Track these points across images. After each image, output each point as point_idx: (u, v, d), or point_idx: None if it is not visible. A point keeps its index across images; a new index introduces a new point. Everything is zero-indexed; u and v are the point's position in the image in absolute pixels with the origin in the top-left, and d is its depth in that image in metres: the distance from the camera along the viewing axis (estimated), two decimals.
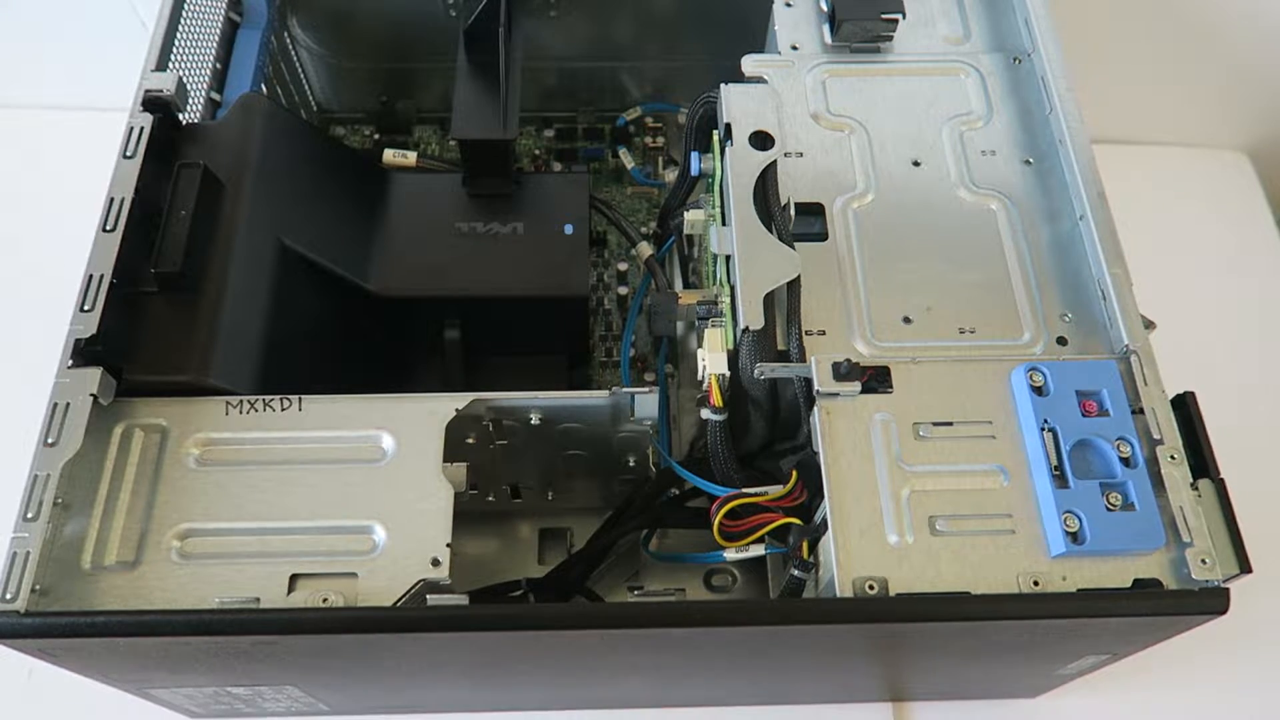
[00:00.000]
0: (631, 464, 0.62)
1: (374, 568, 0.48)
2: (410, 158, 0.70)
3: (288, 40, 0.76)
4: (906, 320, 0.53)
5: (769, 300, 0.52)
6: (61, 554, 0.47)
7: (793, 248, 0.53)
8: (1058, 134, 0.59)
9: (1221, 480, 0.49)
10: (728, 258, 0.54)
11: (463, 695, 0.64)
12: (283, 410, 0.52)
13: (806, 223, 0.56)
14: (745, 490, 0.54)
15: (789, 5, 0.65)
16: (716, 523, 0.54)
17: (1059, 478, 0.48)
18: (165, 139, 0.58)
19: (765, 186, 0.56)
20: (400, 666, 0.53)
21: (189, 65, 0.63)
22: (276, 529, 0.48)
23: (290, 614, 0.46)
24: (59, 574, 0.47)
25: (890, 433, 0.49)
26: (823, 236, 0.56)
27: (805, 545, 0.51)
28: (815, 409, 0.50)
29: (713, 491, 0.55)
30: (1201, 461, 0.49)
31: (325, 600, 0.46)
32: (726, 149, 0.57)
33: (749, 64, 0.61)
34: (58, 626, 0.44)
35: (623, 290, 0.79)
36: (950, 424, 0.50)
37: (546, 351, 0.69)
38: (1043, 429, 0.49)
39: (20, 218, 0.88)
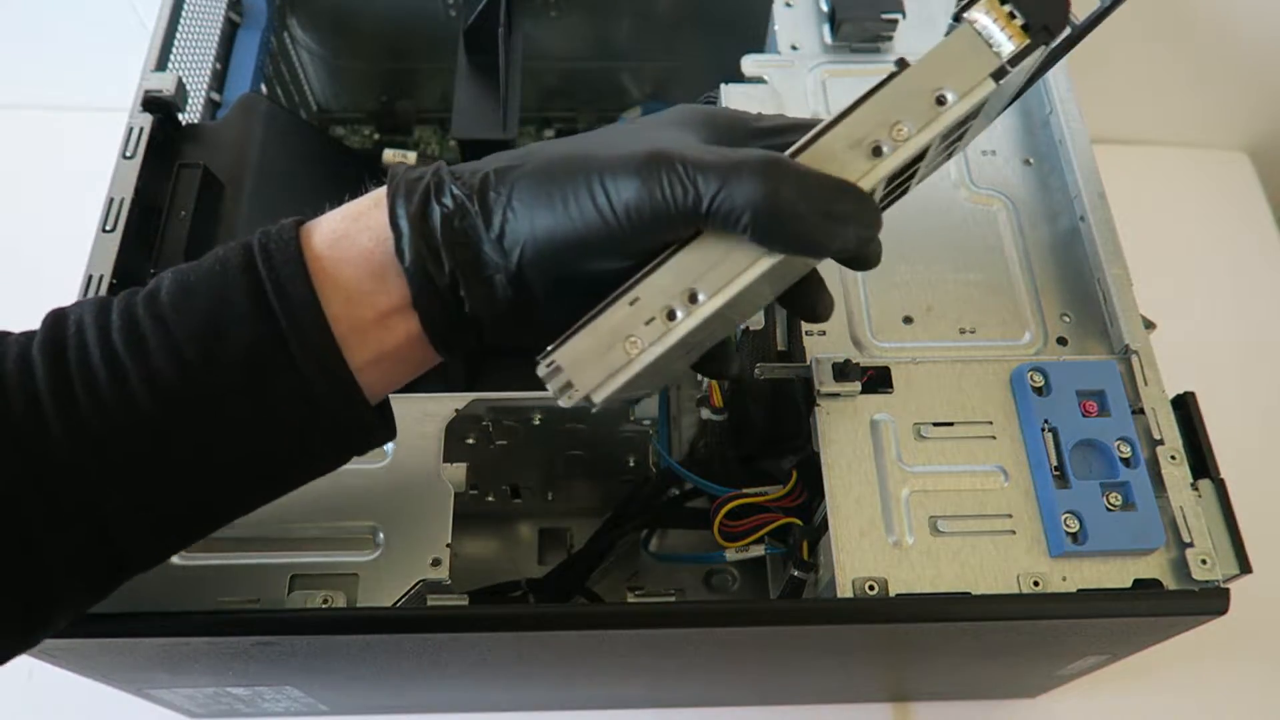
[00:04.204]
0: (631, 464, 0.62)
1: (374, 568, 0.48)
2: (410, 158, 0.70)
3: (288, 40, 0.76)
4: (906, 320, 0.53)
5: None
6: None
7: None
8: (1058, 134, 0.59)
9: (1221, 480, 0.49)
10: None
11: (463, 695, 0.64)
12: None
13: None
14: (745, 490, 0.54)
15: (789, 5, 0.65)
16: (716, 523, 0.54)
17: (1059, 478, 0.48)
18: (165, 139, 0.58)
19: None
20: (400, 666, 0.53)
21: (189, 65, 0.63)
22: (276, 529, 0.48)
23: (290, 614, 0.46)
24: None
25: (890, 433, 0.49)
26: None
27: (805, 545, 0.51)
28: (815, 409, 0.50)
29: (713, 491, 0.55)
30: (1201, 461, 0.49)
31: (325, 600, 0.46)
32: None
33: (749, 64, 0.61)
34: None
35: None
36: (950, 424, 0.50)
37: None
38: (1043, 429, 0.49)
39: (20, 218, 0.88)
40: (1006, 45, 0.33)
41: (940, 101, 0.34)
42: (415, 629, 0.46)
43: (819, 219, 0.34)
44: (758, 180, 0.34)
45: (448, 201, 0.36)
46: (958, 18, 0.33)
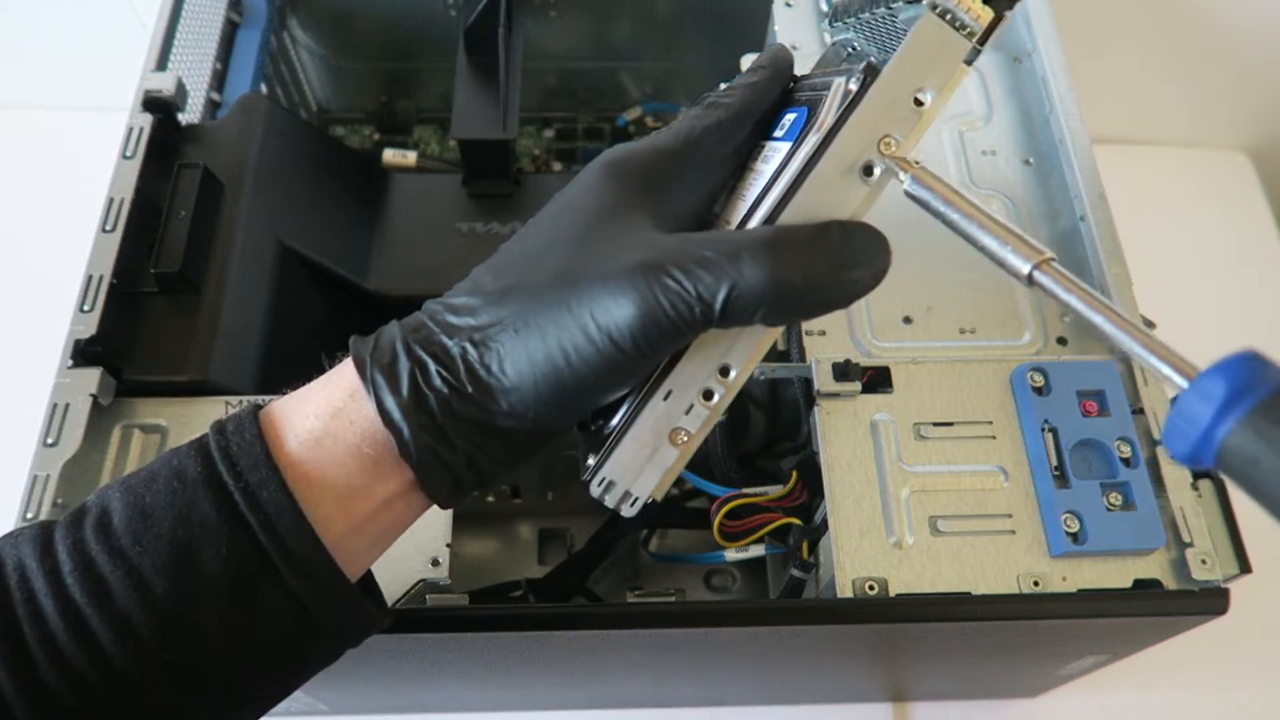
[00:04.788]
0: None
1: (373, 568, 0.48)
2: (410, 158, 0.70)
3: (288, 40, 0.76)
4: (906, 320, 0.53)
5: None
6: None
7: None
8: (1058, 134, 0.59)
9: (1221, 480, 0.49)
10: None
11: (463, 695, 0.64)
12: None
13: None
14: (745, 490, 0.54)
15: (789, 5, 0.65)
16: (716, 523, 0.54)
17: (1059, 478, 0.48)
18: (165, 139, 0.58)
19: None
20: (400, 666, 0.53)
21: (189, 65, 0.63)
22: None
23: None
24: None
25: (890, 433, 0.49)
26: None
27: (805, 545, 0.51)
28: (815, 409, 0.50)
29: (713, 491, 0.55)
30: None
31: None
32: None
33: (749, 64, 0.61)
34: None
35: None
36: (950, 424, 0.50)
37: None
38: (1043, 429, 0.49)
39: (20, 218, 0.88)
40: (974, 25, 0.31)
41: (919, 102, 0.32)
42: (415, 629, 0.46)
43: (832, 280, 0.32)
44: (761, 270, 0.31)
45: (439, 386, 0.33)
46: None
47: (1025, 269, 0.31)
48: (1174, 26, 0.88)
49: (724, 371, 0.35)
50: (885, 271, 0.34)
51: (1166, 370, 0.28)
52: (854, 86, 0.32)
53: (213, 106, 0.65)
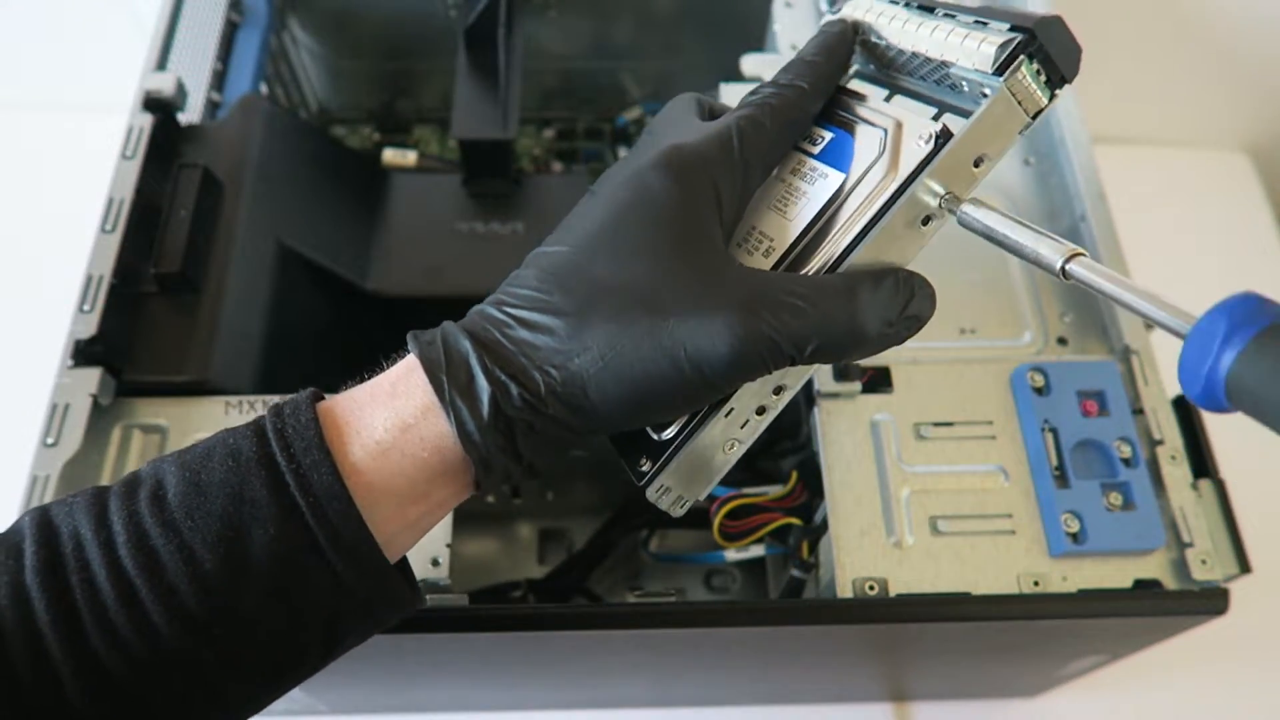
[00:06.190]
0: None
1: None
2: (410, 158, 0.70)
3: (288, 40, 0.76)
4: None
5: None
6: None
7: None
8: (1058, 134, 0.59)
9: (1221, 480, 0.49)
10: None
11: (463, 695, 0.64)
12: None
13: None
14: (745, 490, 0.54)
15: (789, 5, 0.65)
16: (716, 523, 0.54)
17: (1059, 478, 0.48)
18: (165, 139, 0.58)
19: None
20: (400, 666, 0.53)
21: (189, 65, 0.63)
22: None
23: None
24: None
25: (890, 433, 0.49)
26: None
27: (805, 545, 0.51)
28: (815, 409, 0.50)
29: (713, 491, 0.55)
30: (1202, 461, 0.49)
31: None
32: None
33: (749, 64, 0.61)
34: None
35: None
36: (950, 424, 0.50)
37: None
38: (1043, 429, 0.49)
39: (20, 218, 0.88)
40: (1035, 105, 0.34)
41: (978, 164, 0.35)
42: (415, 629, 0.46)
43: (895, 332, 0.35)
44: (846, 323, 0.34)
45: (520, 408, 0.34)
46: (999, 70, 0.33)
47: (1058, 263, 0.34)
48: (1173, 26, 0.88)
49: (777, 390, 0.37)
50: (933, 309, 0.37)
51: (1173, 321, 0.31)
52: (927, 146, 0.35)
53: (213, 106, 0.65)
